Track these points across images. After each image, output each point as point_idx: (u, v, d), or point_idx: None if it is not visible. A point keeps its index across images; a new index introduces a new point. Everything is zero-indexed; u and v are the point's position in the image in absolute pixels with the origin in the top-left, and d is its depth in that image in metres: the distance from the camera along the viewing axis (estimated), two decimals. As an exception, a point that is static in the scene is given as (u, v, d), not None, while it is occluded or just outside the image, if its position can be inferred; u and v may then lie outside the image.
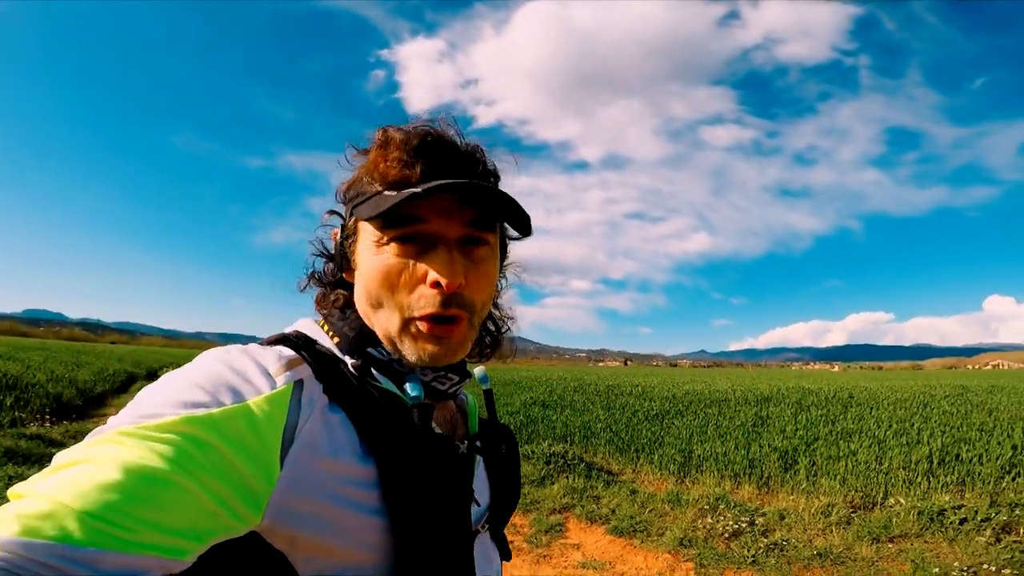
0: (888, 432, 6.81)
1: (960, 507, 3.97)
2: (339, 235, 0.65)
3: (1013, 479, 4.70)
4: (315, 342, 0.62)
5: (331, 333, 0.64)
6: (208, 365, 0.51)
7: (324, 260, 0.70)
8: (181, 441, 0.42)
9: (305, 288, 0.71)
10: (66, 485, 0.38)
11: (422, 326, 0.58)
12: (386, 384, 0.59)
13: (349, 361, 0.60)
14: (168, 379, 0.49)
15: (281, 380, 0.52)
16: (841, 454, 5.72)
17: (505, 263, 0.73)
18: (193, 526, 0.41)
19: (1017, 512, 3.82)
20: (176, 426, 0.43)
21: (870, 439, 6.41)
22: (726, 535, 4.14)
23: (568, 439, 7.51)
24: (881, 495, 4.62)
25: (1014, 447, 5.56)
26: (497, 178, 0.66)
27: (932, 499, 4.29)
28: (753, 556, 3.78)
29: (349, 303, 0.66)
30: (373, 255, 0.59)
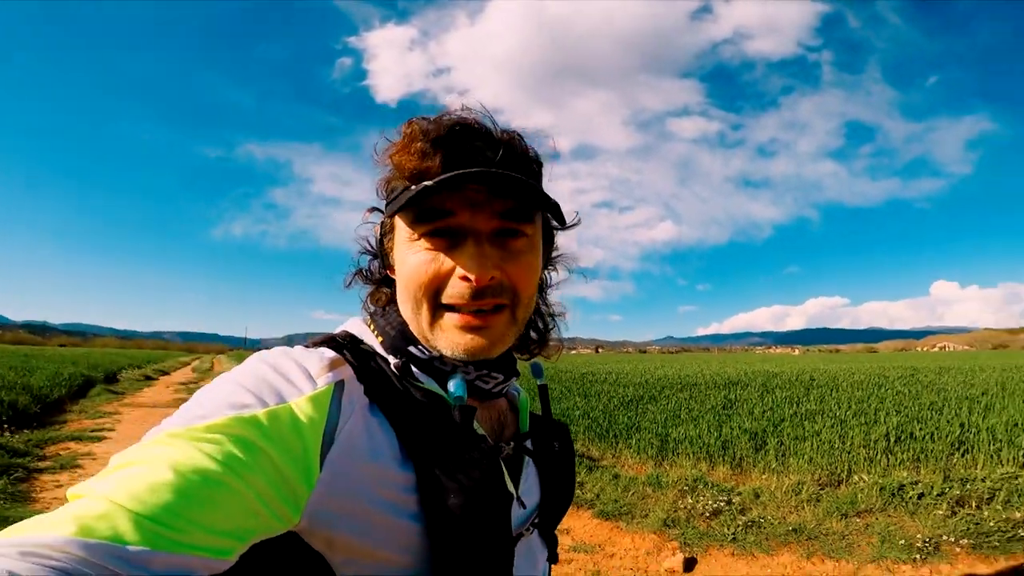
0: (848, 413, 7.21)
1: (917, 483, 4.30)
2: (379, 232, 0.65)
3: (962, 455, 5.09)
4: (360, 342, 0.62)
5: (376, 332, 0.64)
6: (253, 367, 0.52)
7: (370, 257, 0.69)
8: (227, 441, 0.43)
9: (350, 284, 0.70)
10: (120, 486, 0.39)
11: (453, 319, 0.57)
12: (428, 384, 0.59)
13: (392, 361, 0.59)
14: (218, 381, 0.50)
15: (322, 381, 0.52)
16: (806, 434, 6.03)
17: (553, 255, 0.71)
18: (238, 526, 0.42)
19: (968, 486, 4.18)
20: (222, 427, 0.44)
21: (832, 419, 6.78)
22: (706, 514, 4.39)
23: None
24: (845, 473, 4.94)
25: (962, 425, 6.00)
26: (539, 166, 0.64)
27: (892, 475, 4.62)
28: (733, 534, 4.04)
29: (392, 301, 0.65)
30: (406, 251, 0.58)
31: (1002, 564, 3.33)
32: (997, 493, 4.03)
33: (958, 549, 3.51)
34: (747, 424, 6.74)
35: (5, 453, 5.91)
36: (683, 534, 4.13)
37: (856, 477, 4.74)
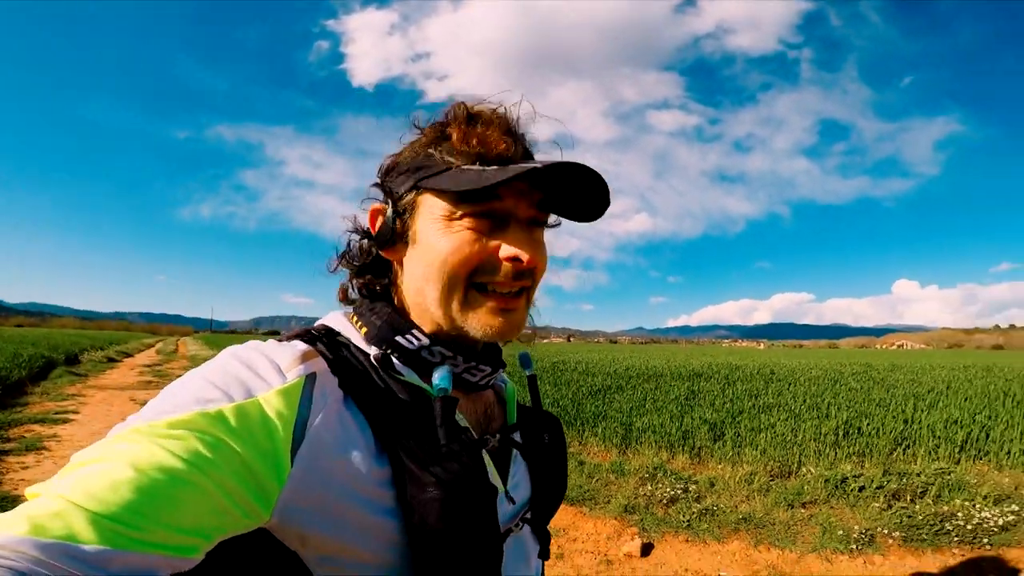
0: (802, 406, 7.49)
1: (859, 476, 4.56)
2: (390, 209, 0.61)
3: (904, 450, 5.40)
4: (337, 334, 0.61)
5: (360, 324, 0.62)
6: (222, 362, 0.51)
7: (359, 238, 0.67)
8: (192, 438, 0.42)
9: (336, 269, 0.69)
10: (77, 484, 0.38)
11: (488, 301, 0.58)
12: (409, 377, 0.58)
13: (371, 353, 0.58)
14: (185, 377, 0.50)
15: (293, 374, 0.51)
16: (762, 426, 6.25)
17: None
18: (203, 524, 0.41)
19: (904, 480, 4.44)
20: (186, 423, 0.43)
21: (787, 413, 7.04)
22: (664, 501, 4.57)
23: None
24: (796, 464, 5.18)
25: (906, 421, 6.32)
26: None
27: (838, 469, 4.86)
28: (688, 520, 4.22)
29: (377, 289, 0.65)
30: (442, 229, 0.57)
31: (929, 557, 3.57)
32: (930, 487, 4.31)
33: (891, 541, 3.74)
34: (708, 415, 6.96)
35: (-34, 438, 5.77)
36: (642, 520, 4.31)
37: (805, 469, 4.98)
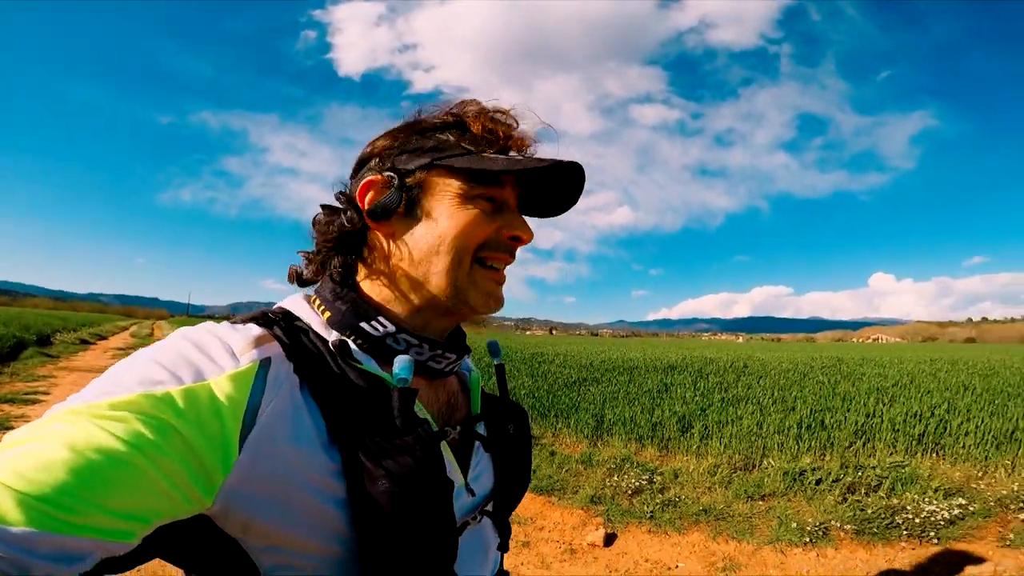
0: (769, 400, 7.59)
1: (818, 469, 4.67)
2: (396, 182, 0.61)
3: (864, 444, 5.52)
4: (295, 318, 0.60)
5: (323, 308, 0.61)
6: (173, 343, 0.49)
7: (343, 211, 0.63)
8: (134, 420, 0.41)
9: (324, 250, 0.65)
10: (6, 465, 0.36)
11: (489, 275, 0.63)
12: (368, 365, 0.56)
13: (330, 339, 0.57)
14: (133, 357, 0.48)
15: (246, 359, 0.49)
16: (729, 419, 6.35)
17: None
18: (141, 508, 0.40)
19: (860, 474, 4.56)
20: (129, 404, 0.42)
21: (754, 406, 7.14)
22: (629, 492, 4.66)
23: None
24: (759, 457, 5.29)
25: (868, 415, 6.44)
26: None
27: (800, 462, 4.96)
28: (651, 511, 4.31)
29: (351, 268, 0.64)
30: (457, 205, 0.60)
31: (879, 550, 3.68)
32: (884, 481, 4.43)
33: (843, 534, 3.84)
34: (677, 408, 7.04)
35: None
36: (607, 510, 4.39)
37: (766, 462, 5.10)
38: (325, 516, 0.49)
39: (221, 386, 0.46)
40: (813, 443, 5.52)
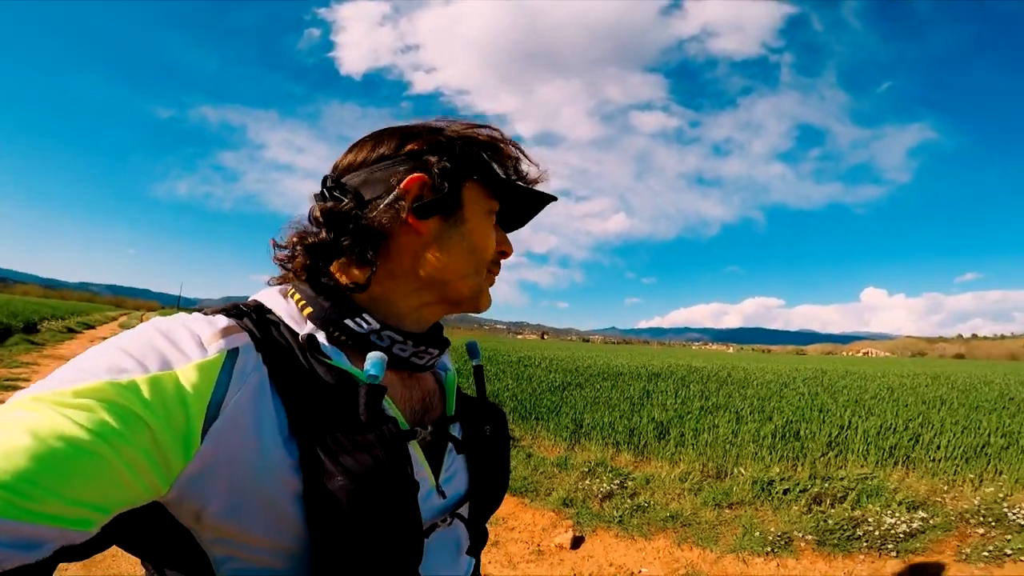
0: (747, 409, 7.61)
1: (786, 479, 4.71)
2: (446, 187, 0.62)
3: (836, 456, 5.57)
4: (267, 311, 0.59)
5: (303, 303, 0.60)
6: (142, 331, 0.49)
7: (373, 201, 0.61)
8: (98, 408, 0.40)
9: (353, 241, 0.60)
10: None
11: (491, 281, 0.71)
12: (337, 360, 0.56)
13: (300, 333, 0.56)
14: (102, 345, 0.47)
15: (214, 349, 0.49)
16: (706, 427, 6.37)
17: None
18: (102, 497, 0.39)
19: (828, 485, 4.60)
20: (93, 392, 0.41)
21: (731, 415, 7.16)
22: (600, 496, 4.69)
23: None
24: (732, 466, 5.31)
25: (842, 426, 6.47)
26: None
27: (771, 471, 4.98)
28: (620, 516, 4.35)
29: (326, 270, 0.62)
30: (485, 219, 0.67)
31: (839, 561, 3.71)
32: (850, 492, 4.47)
33: (804, 544, 3.87)
34: (656, 414, 7.08)
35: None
36: (578, 514, 4.43)
37: (737, 471, 5.15)
38: (280, 511, 0.48)
39: (187, 375, 0.46)
40: (786, 453, 5.56)
